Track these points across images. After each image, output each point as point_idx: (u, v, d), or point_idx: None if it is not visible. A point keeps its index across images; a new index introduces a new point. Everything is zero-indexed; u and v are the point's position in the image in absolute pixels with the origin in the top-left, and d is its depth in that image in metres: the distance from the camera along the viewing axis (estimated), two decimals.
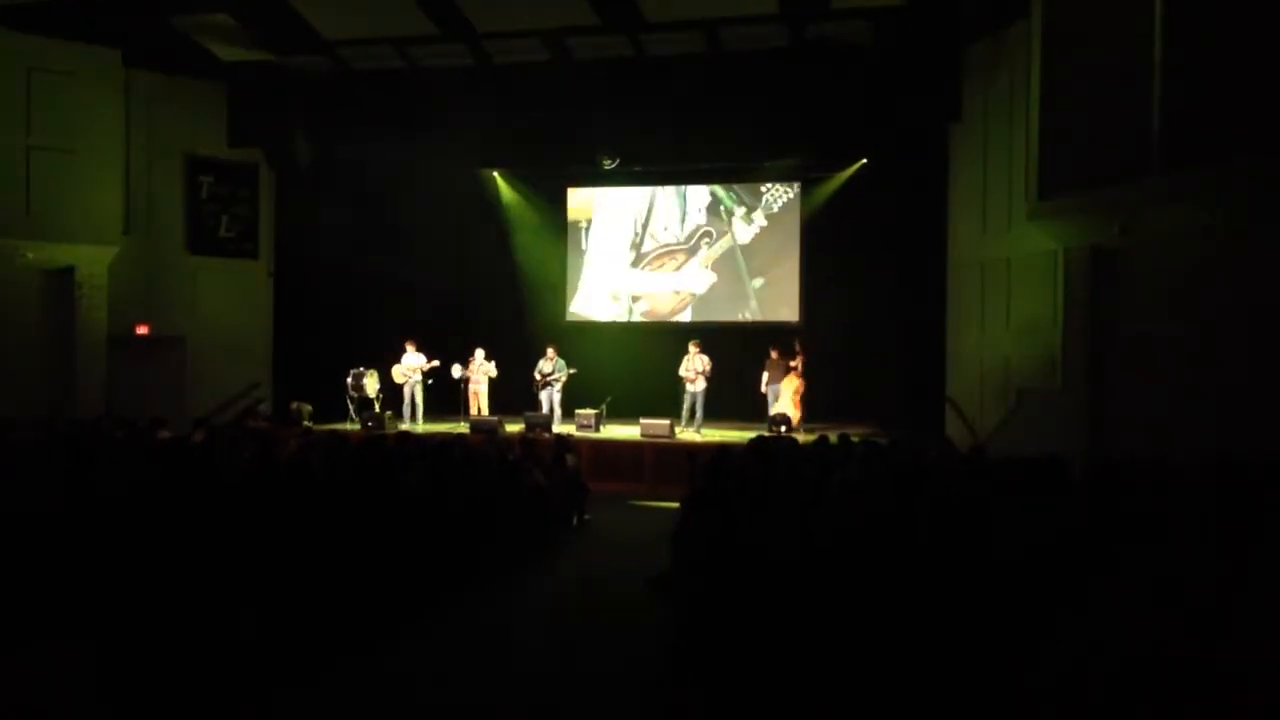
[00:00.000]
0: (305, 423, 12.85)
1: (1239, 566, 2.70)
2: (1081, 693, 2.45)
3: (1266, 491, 3.42)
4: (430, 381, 13.84)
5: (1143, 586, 2.77)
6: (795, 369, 13.00)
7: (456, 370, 13.82)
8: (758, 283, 15.23)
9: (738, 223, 15.36)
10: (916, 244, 13.52)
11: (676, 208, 15.73)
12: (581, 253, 16.15)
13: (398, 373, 13.83)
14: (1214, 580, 2.62)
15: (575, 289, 16.19)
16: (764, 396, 13.34)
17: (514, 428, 12.80)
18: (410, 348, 13.87)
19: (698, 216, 15.61)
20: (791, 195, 15.06)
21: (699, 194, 15.62)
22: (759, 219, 15.25)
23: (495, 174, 15.69)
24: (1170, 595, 2.62)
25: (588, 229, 16.14)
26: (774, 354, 13.20)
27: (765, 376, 13.26)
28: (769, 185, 15.20)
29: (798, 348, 13.14)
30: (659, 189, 15.76)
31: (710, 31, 12.58)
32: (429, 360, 13.76)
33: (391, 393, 14.01)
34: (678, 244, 15.72)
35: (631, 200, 15.94)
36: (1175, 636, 2.40)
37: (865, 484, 5.33)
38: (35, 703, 4.41)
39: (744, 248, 15.36)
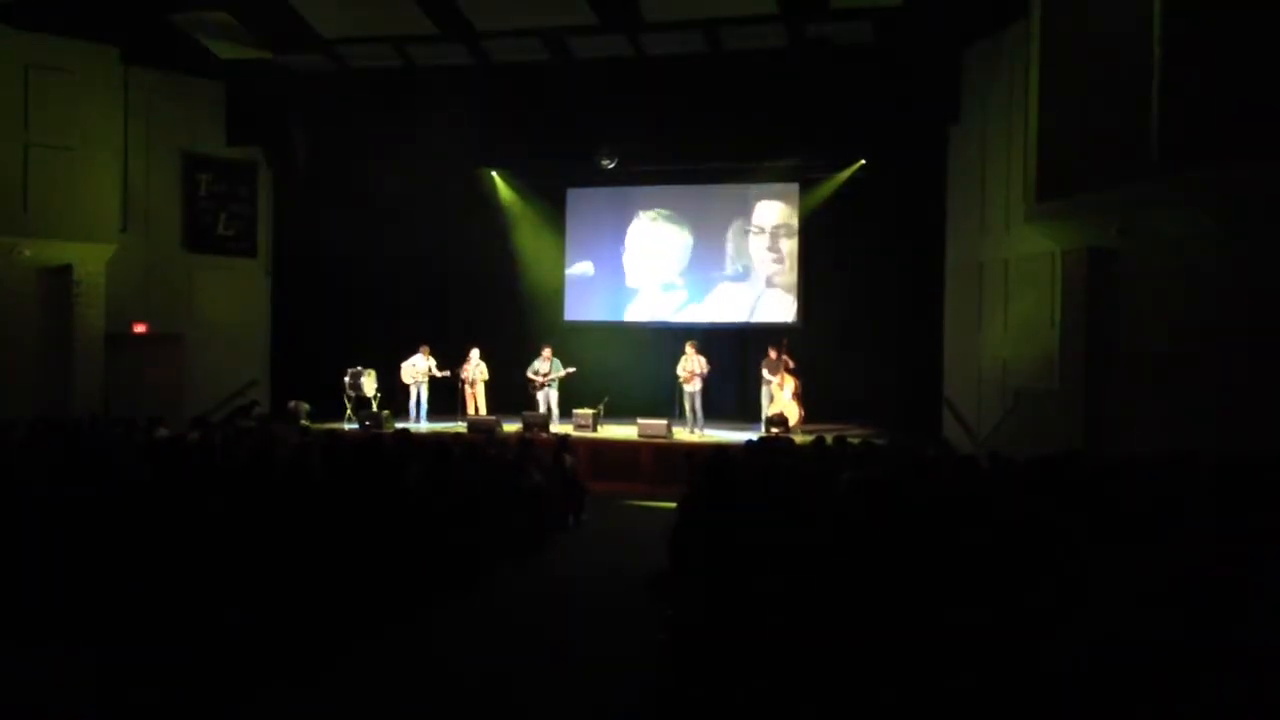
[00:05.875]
0: (303, 421, 12.84)
1: (1237, 567, 2.71)
2: (1081, 693, 2.46)
3: (1265, 492, 3.42)
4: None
5: (1139, 587, 2.78)
6: (788, 367, 13.02)
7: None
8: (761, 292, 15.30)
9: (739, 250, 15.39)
10: (915, 245, 13.55)
11: (681, 247, 15.64)
12: (579, 280, 16.14)
13: (407, 373, 13.83)
14: (1212, 581, 2.63)
15: (572, 296, 16.16)
16: (760, 395, 13.35)
17: (512, 427, 12.80)
18: (424, 351, 13.89)
19: (697, 251, 15.55)
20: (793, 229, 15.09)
21: (700, 234, 15.59)
22: (759, 245, 15.29)
23: (493, 173, 15.66)
24: (1168, 596, 2.63)
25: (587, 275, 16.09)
26: (772, 353, 13.21)
27: (765, 374, 13.27)
28: (759, 224, 15.21)
29: (784, 346, 13.17)
30: (665, 235, 15.73)
31: (710, 31, 12.57)
32: (440, 370, 13.77)
33: (394, 392, 14.04)
34: (678, 287, 15.67)
35: (637, 240, 15.89)
36: (1175, 637, 2.40)
37: (864, 484, 5.33)
38: (33, 701, 4.40)
39: (746, 273, 15.36)
